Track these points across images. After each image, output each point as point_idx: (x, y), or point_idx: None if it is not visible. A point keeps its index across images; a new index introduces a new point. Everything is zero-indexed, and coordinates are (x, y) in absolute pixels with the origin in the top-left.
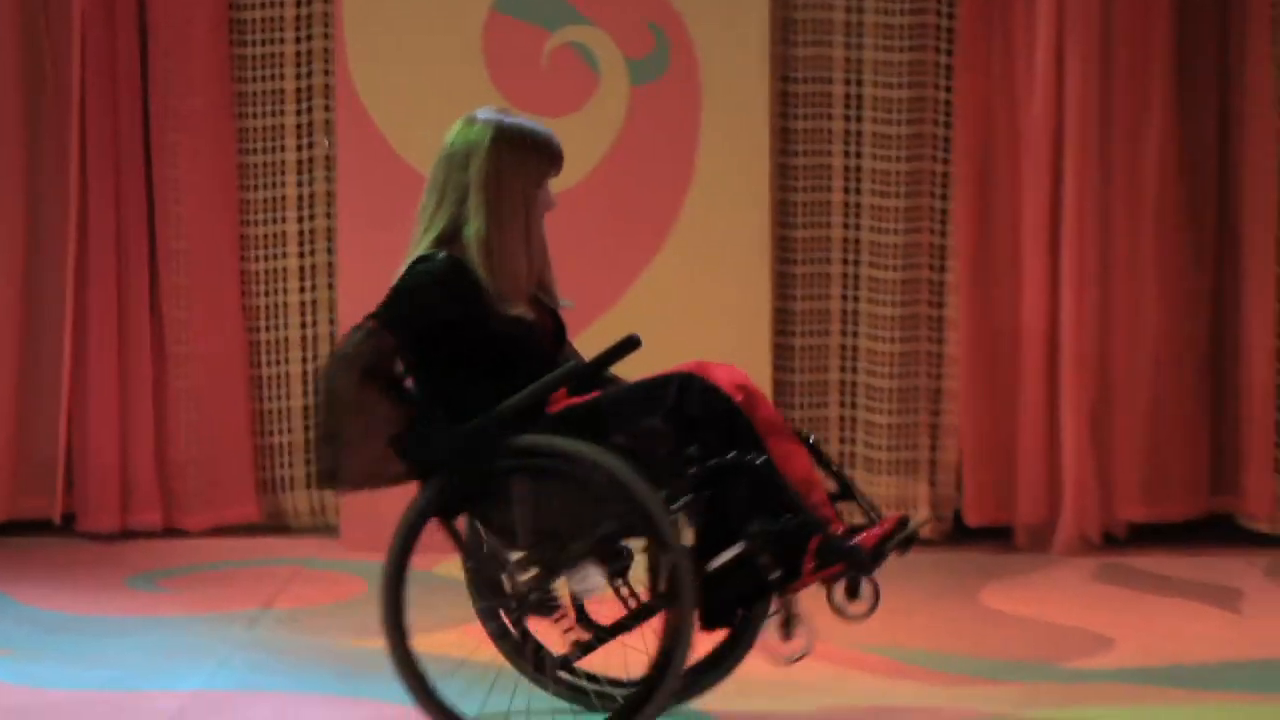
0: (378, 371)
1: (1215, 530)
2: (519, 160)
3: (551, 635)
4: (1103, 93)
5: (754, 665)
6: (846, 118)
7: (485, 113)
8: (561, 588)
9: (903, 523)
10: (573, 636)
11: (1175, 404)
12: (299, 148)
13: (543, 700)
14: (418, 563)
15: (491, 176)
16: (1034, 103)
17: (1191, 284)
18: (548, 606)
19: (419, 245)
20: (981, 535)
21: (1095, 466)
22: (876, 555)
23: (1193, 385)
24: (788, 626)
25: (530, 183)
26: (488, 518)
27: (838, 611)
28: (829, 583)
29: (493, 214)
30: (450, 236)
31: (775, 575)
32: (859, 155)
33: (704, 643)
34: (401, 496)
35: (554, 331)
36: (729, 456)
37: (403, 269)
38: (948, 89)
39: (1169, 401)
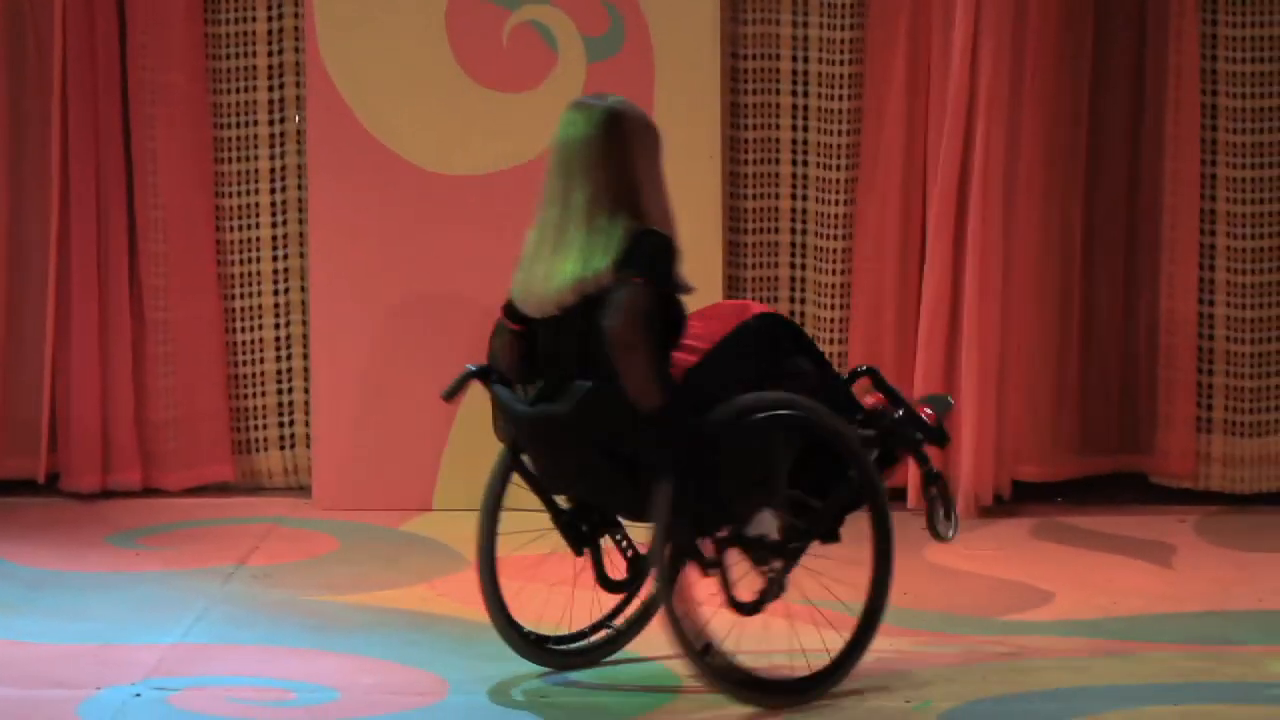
0: (653, 325)
1: (1131, 487)
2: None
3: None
4: (1015, 64)
5: (715, 617)
6: (794, 92)
7: (615, 99)
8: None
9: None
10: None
11: (1078, 369)
12: (271, 122)
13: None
14: (389, 520)
15: (658, 156)
16: (949, 77)
17: (1104, 255)
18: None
19: (614, 220)
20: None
21: (989, 429)
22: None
23: (1101, 350)
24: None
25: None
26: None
27: (938, 535)
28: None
29: (664, 192)
30: (634, 213)
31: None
32: (805, 129)
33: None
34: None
35: None
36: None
37: (620, 239)
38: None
39: (1071, 366)
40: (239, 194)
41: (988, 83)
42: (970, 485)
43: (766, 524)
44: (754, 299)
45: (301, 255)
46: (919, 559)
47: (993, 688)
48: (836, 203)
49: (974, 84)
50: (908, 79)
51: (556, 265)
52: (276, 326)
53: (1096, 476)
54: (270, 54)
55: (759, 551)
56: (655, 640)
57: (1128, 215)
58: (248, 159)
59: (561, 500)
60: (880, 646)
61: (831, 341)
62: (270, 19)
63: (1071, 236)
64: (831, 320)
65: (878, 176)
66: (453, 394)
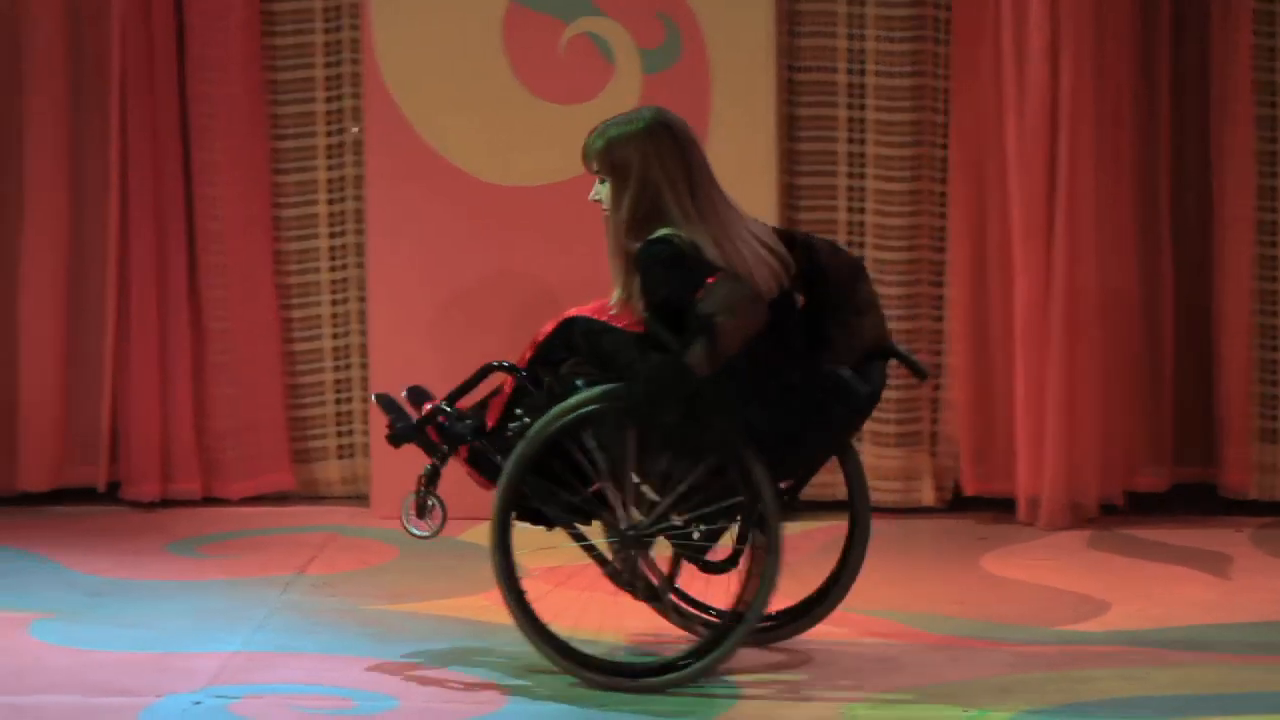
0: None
1: (1199, 499)
2: None
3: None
4: (1096, 69)
5: (765, 627)
6: (850, 106)
7: (611, 122)
8: None
9: None
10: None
11: (1156, 379)
12: (329, 133)
13: None
14: (448, 529)
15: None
16: (1029, 96)
17: (1175, 264)
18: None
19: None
20: (982, 505)
21: (1079, 441)
22: None
23: (1174, 361)
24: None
25: None
26: None
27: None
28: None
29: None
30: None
31: None
32: (862, 141)
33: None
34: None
35: None
36: None
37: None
38: (946, 77)
39: (1150, 377)
40: (297, 204)
41: (1069, 88)
42: (1061, 497)
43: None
44: None
45: (359, 265)
46: (975, 569)
47: (1049, 698)
48: (896, 214)
49: (1055, 90)
50: (986, 88)
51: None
52: (334, 336)
53: (1171, 488)
54: (328, 65)
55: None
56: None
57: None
58: (306, 169)
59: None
60: (935, 656)
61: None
62: (328, 30)
63: (1159, 248)
64: (893, 332)
65: (959, 187)
66: None
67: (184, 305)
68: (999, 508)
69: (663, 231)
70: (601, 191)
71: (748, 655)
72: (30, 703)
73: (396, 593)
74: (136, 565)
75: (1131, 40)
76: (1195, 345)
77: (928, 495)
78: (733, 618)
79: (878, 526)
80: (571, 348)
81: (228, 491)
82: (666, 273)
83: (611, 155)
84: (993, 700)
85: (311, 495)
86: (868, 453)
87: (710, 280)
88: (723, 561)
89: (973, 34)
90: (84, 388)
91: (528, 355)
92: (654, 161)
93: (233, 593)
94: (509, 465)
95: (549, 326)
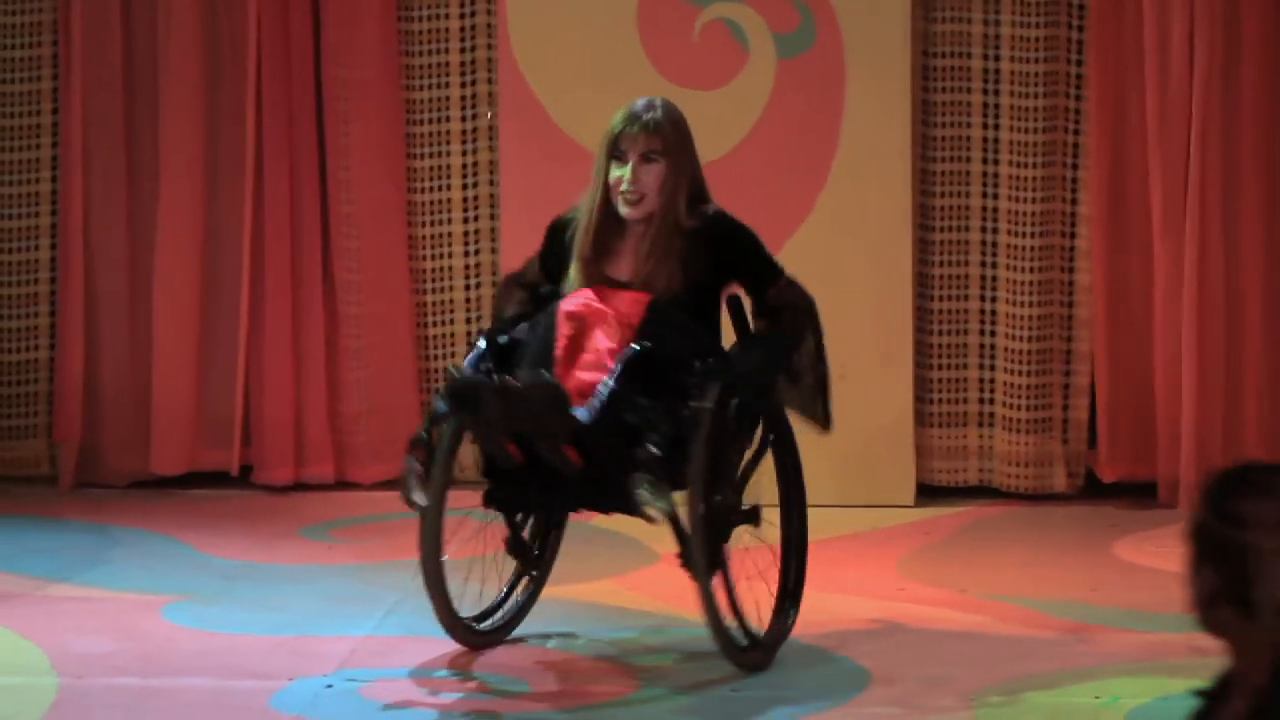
0: None
1: None
2: None
3: None
4: (1229, 59)
5: (896, 612)
6: (985, 91)
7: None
8: None
9: None
10: None
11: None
12: (463, 118)
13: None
14: (581, 514)
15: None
16: (1169, 79)
17: None
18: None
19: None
20: (1117, 491)
21: (1216, 423)
22: None
23: None
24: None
25: None
26: None
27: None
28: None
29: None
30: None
31: None
32: (996, 127)
33: None
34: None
35: None
36: None
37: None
38: (1079, 63)
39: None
40: (431, 189)
41: (1202, 82)
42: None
43: None
44: (941, 297)
45: (493, 250)
46: (1107, 555)
47: (1180, 684)
48: (1029, 200)
49: (1191, 79)
50: (1126, 73)
51: None
52: (468, 321)
53: None
54: (463, 50)
55: None
56: (849, 636)
57: None
58: (440, 155)
59: None
60: (1066, 642)
61: (1032, 339)
62: (463, 16)
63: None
64: (1026, 318)
65: (1101, 175)
66: None
67: (318, 290)
68: (1133, 493)
69: (714, 207)
70: (648, 172)
71: (871, 641)
72: (163, 685)
73: None
74: (269, 549)
75: (1266, 36)
76: None
77: (1060, 481)
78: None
79: (1011, 511)
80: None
81: (360, 476)
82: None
83: (680, 133)
84: (1124, 688)
85: None
86: (999, 439)
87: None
88: None
89: (1112, 20)
90: (217, 372)
91: (628, 336)
92: (693, 141)
93: (365, 577)
94: (696, 450)
95: (634, 310)
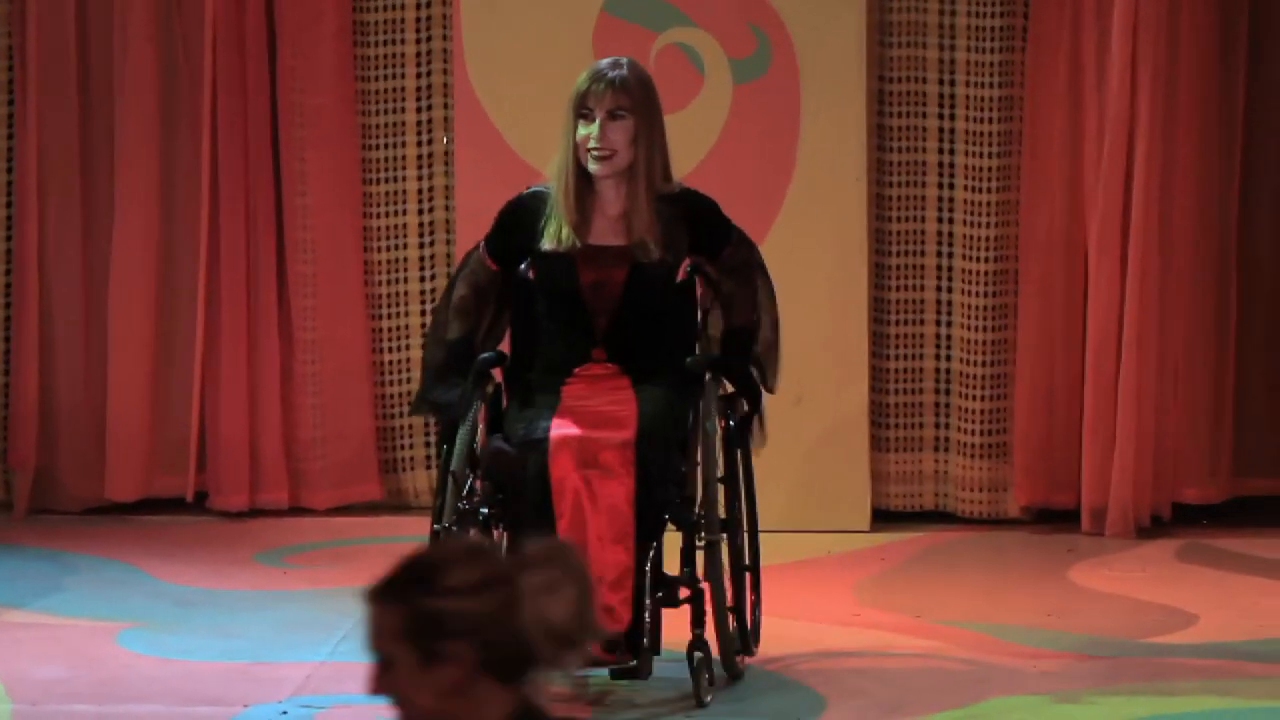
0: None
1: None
2: None
3: None
4: (1169, 86)
5: (851, 638)
6: (940, 116)
7: None
8: None
9: None
10: None
11: (1234, 390)
12: (419, 143)
13: None
14: None
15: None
16: (1106, 104)
17: (1251, 278)
18: None
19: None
20: (1072, 517)
21: (1142, 450)
22: None
23: (1258, 372)
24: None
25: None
26: None
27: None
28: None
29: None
30: None
31: None
32: (952, 152)
33: None
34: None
35: None
36: None
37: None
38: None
39: (1214, 388)
40: (387, 214)
41: (1146, 104)
42: (1128, 506)
43: None
44: (897, 321)
45: (449, 275)
46: (1063, 580)
47: (1138, 710)
48: (984, 225)
49: (1133, 106)
50: (1066, 101)
51: None
52: (423, 346)
53: (1254, 499)
54: (419, 75)
55: None
56: (805, 661)
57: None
58: (396, 179)
59: None
60: (1024, 668)
61: (987, 364)
62: (419, 41)
63: (1227, 259)
64: (981, 343)
65: (1037, 199)
66: None
67: (273, 315)
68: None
69: (681, 184)
70: (615, 129)
71: (827, 666)
72: (118, 711)
73: None
74: (224, 575)
75: (1207, 57)
76: (1262, 361)
77: (1015, 507)
78: None
79: (967, 537)
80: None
81: (315, 501)
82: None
83: (647, 91)
84: (1082, 713)
85: (399, 505)
86: (955, 464)
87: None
88: None
89: (1049, 43)
90: (172, 398)
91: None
92: (660, 104)
93: (320, 603)
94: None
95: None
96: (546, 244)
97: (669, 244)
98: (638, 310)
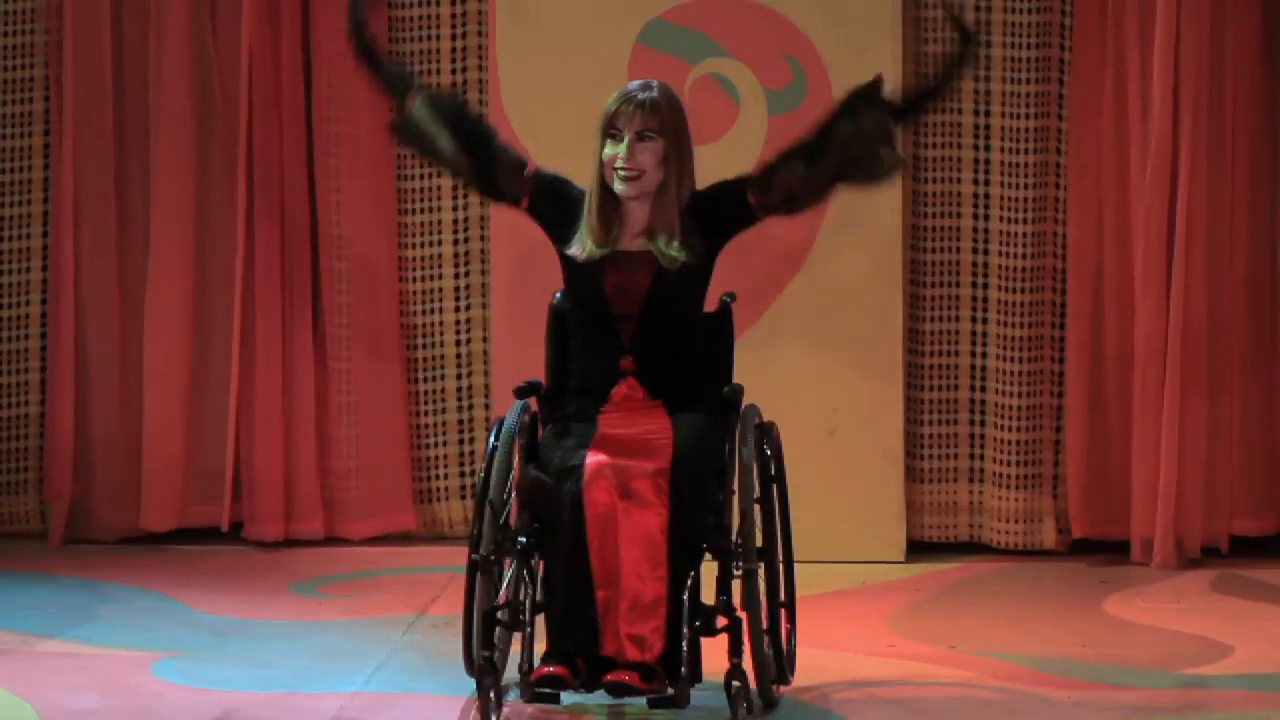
0: None
1: None
2: None
3: None
4: (1215, 111)
5: (885, 669)
6: (975, 147)
7: None
8: None
9: None
10: None
11: (1275, 419)
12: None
13: None
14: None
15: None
16: (1150, 133)
17: None
18: None
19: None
20: (1102, 547)
21: (1195, 481)
22: None
23: None
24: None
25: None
26: None
27: None
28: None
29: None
30: None
31: None
32: (987, 182)
33: None
34: None
35: None
36: None
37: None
38: (1066, 118)
39: (1269, 417)
40: (422, 245)
41: (1189, 131)
42: (1177, 537)
43: None
44: (931, 352)
45: (484, 306)
46: (1097, 611)
47: None
48: (1020, 256)
49: (1176, 133)
50: (1111, 130)
51: None
52: (459, 377)
53: None
54: None
55: None
56: (838, 692)
57: None
58: (431, 210)
59: None
60: (1058, 698)
61: (1022, 395)
62: (454, 71)
63: (1277, 283)
64: (1016, 374)
65: (1084, 230)
66: None
67: (308, 345)
68: (1122, 550)
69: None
70: (643, 150)
71: (861, 697)
72: None
73: (518, 635)
74: (259, 605)
75: (1252, 82)
76: None
77: (1049, 538)
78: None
79: (1001, 567)
80: None
81: (350, 531)
82: None
83: (676, 115)
84: None
85: (434, 535)
86: (989, 494)
87: None
88: None
89: (1092, 75)
90: (207, 428)
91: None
92: (689, 128)
93: (354, 633)
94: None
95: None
96: (574, 249)
97: (692, 248)
98: (662, 314)
